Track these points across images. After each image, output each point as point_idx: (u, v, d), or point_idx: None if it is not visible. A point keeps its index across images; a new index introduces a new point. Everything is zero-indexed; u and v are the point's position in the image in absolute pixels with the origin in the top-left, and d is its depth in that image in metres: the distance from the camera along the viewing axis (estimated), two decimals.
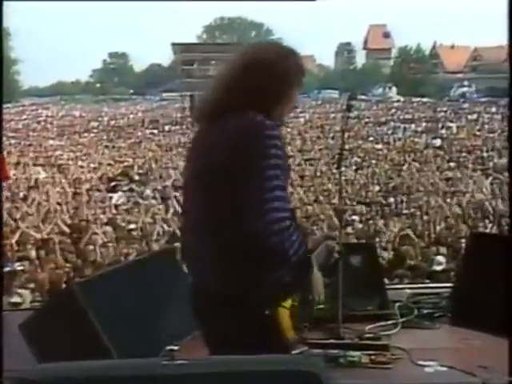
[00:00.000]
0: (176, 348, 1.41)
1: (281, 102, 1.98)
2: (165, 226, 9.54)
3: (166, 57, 65.24)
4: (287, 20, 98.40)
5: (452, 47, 56.65)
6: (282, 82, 1.96)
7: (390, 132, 26.59)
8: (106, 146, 24.25)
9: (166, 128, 30.60)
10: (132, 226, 9.59)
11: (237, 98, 1.92)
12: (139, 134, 28.66)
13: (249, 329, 1.90)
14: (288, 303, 1.98)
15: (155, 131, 29.60)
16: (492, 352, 3.31)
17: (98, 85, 62.86)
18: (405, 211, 10.92)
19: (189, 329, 3.53)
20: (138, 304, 3.18)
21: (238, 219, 1.84)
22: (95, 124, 33.22)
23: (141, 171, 16.76)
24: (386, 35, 57.41)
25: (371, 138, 24.49)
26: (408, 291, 4.30)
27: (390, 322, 3.74)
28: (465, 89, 44.06)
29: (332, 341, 3.09)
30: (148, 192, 13.46)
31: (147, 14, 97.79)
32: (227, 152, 1.87)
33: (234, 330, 1.91)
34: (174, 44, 36.19)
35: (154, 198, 12.61)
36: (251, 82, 1.92)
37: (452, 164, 17.73)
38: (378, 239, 7.93)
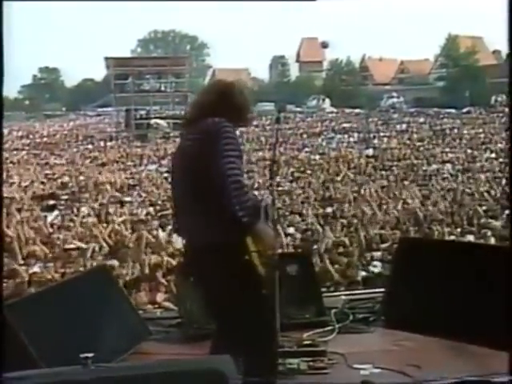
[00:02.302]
0: (90, 355, 1.44)
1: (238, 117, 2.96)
2: (103, 243, 9.35)
3: (98, 71, 64.28)
4: (221, 34, 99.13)
5: (380, 60, 58.40)
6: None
7: (324, 143, 27.11)
8: (39, 164, 23.55)
9: (101, 144, 30.04)
10: (70, 246, 9.34)
11: (207, 112, 2.77)
12: (74, 150, 27.99)
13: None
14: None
15: (90, 147, 29.00)
16: (424, 352, 3.46)
17: (27, 101, 60.98)
18: (341, 220, 11.13)
19: (128, 344, 3.50)
20: (72, 322, 3.14)
21: (216, 190, 2.58)
22: (26, 141, 32.19)
23: (75, 189, 16.37)
24: (324, 45, 58.03)
25: (307, 149, 24.89)
26: (343, 297, 4.42)
27: (326, 329, 3.84)
28: (394, 100, 45.47)
29: None
30: (84, 209, 13.15)
31: (78, 28, 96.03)
32: (201, 145, 2.66)
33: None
34: (107, 58, 35.43)
35: (90, 215, 12.33)
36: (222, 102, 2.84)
37: (384, 172, 18.26)
38: (314, 247, 8.06)
